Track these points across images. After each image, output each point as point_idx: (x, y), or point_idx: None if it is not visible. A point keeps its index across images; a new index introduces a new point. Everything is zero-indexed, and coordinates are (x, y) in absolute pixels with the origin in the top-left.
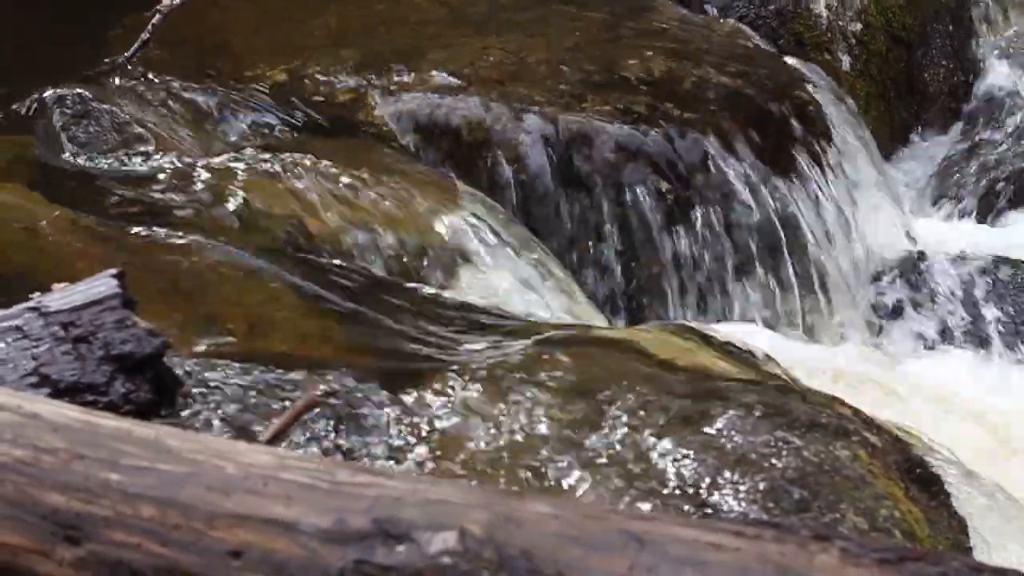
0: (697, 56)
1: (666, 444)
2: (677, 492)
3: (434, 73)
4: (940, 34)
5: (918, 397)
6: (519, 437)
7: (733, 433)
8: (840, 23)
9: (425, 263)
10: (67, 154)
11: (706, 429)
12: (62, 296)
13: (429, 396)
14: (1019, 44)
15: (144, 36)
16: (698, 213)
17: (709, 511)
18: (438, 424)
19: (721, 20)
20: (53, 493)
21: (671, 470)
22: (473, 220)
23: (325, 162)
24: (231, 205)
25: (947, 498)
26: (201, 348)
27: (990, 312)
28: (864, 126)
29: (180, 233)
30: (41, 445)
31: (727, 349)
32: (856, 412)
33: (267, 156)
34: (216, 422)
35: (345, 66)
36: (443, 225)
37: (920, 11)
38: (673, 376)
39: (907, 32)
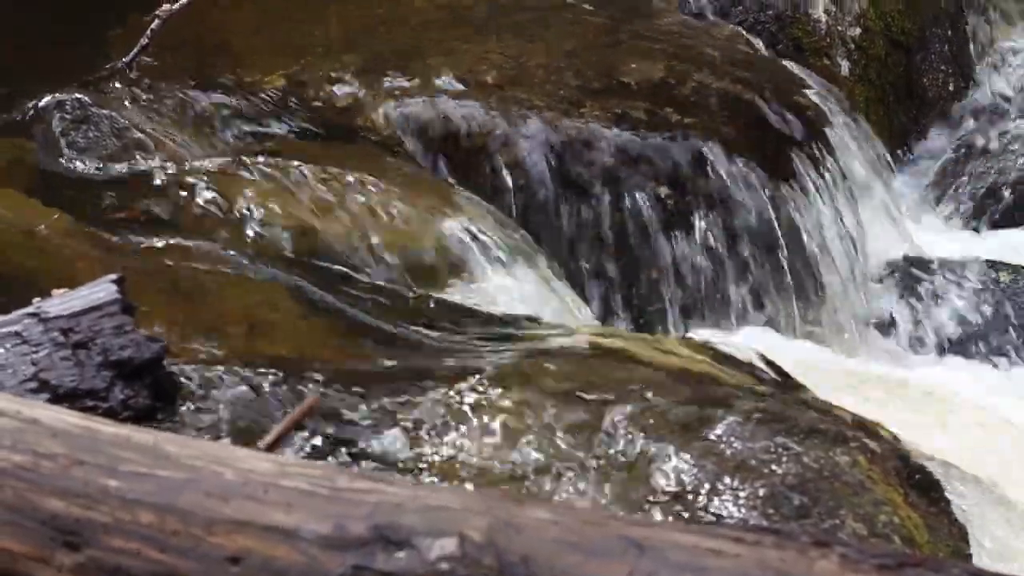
0: (696, 61)
1: (666, 450)
2: (677, 498)
3: (434, 78)
4: (939, 39)
5: (917, 402)
6: (518, 442)
7: (732, 439)
8: (839, 28)
9: (424, 268)
10: (66, 159)
11: (705, 435)
12: (61, 302)
13: (428, 401)
14: (1018, 48)
15: (143, 41)
16: (697, 218)
17: (709, 517)
18: (437, 429)
19: (720, 25)
20: (52, 499)
21: (671, 476)
22: (472, 225)
23: (324, 167)
24: (230, 210)
25: (947, 504)
26: (200, 353)
27: (989, 317)
28: (863, 131)
29: (179, 238)
30: (40, 451)
31: (725, 355)
32: (855, 418)
33: (266, 161)
34: (215, 428)
35: (345, 70)
36: (442, 230)
37: (919, 16)
38: (672, 382)
39: (906, 37)
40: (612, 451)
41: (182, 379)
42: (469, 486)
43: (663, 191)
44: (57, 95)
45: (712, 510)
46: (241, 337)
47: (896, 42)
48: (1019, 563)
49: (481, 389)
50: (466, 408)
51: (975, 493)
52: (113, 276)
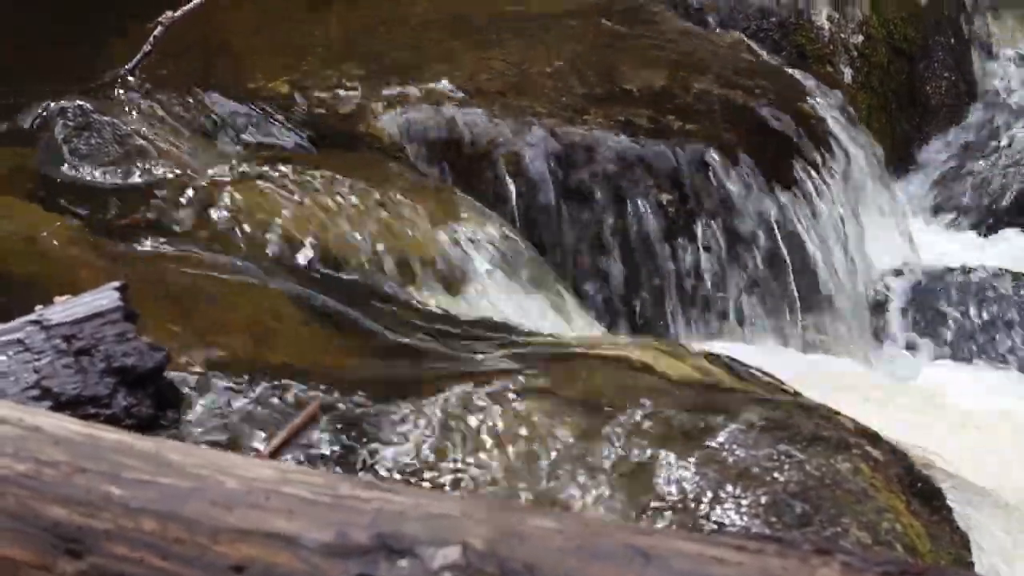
0: (699, 68)
1: (668, 458)
2: (680, 506)
3: (436, 85)
4: (941, 46)
5: (920, 409)
6: (522, 450)
7: (735, 447)
8: (842, 35)
9: (426, 275)
10: (68, 166)
11: (708, 443)
12: (64, 309)
13: (431, 409)
14: (1020, 56)
15: (146, 48)
16: (700, 226)
17: (712, 525)
18: (441, 437)
19: (723, 32)
20: (54, 506)
21: (673, 484)
22: (474, 232)
23: (327, 174)
24: (233, 217)
25: (949, 512)
26: (203, 361)
27: (991, 322)
28: (866, 138)
29: (182, 245)
30: (43, 458)
31: (728, 363)
32: (858, 425)
33: (268, 168)
34: (218, 435)
35: (347, 77)
36: (444, 237)
37: (922, 23)
38: (675, 390)
39: (909, 44)
40: (615, 459)
41: (185, 387)
42: (473, 494)
43: (665, 198)
44: (59, 102)
45: (715, 518)
46: (244, 344)
47: (899, 49)
48: (1021, 569)
49: (484, 397)
50: (469, 416)
51: (977, 500)
52: (115, 283)
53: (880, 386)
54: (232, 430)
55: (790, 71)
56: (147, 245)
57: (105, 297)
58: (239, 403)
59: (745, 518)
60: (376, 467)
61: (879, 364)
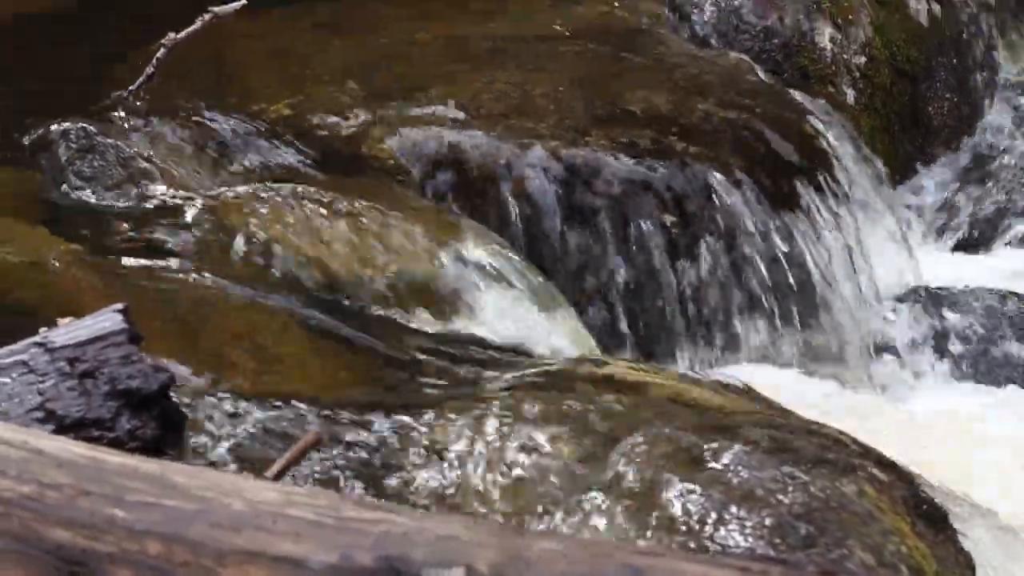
0: (702, 90)
1: (673, 480)
2: (684, 528)
3: (438, 107)
4: (944, 67)
5: (924, 431)
6: (526, 472)
7: (739, 469)
8: (844, 56)
9: (429, 297)
10: (72, 188)
11: (712, 465)
12: (68, 331)
13: (435, 431)
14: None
15: (149, 70)
16: (703, 247)
17: (716, 547)
18: (444, 459)
19: (725, 53)
20: (58, 529)
21: (678, 506)
22: (477, 254)
23: (330, 196)
24: (236, 239)
25: (954, 533)
26: (207, 382)
27: (995, 344)
28: (869, 159)
29: (186, 268)
30: (46, 481)
31: (731, 385)
32: (862, 447)
33: (272, 190)
34: (222, 457)
35: (350, 100)
36: (447, 259)
37: (924, 44)
38: (679, 412)
39: (911, 65)
40: (620, 481)
41: (189, 408)
42: (477, 517)
43: (668, 219)
44: (63, 124)
45: (719, 540)
46: (248, 366)
47: (902, 71)
48: None
49: (488, 419)
50: (473, 438)
51: (982, 521)
52: (119, 305)
53: (883, 407)
54: (236, 452)
55: (792, 92)
56: (151, 267)
57: (109, 319)
58: (243, 425)
59: (750, 540)
60: (379, 489)
61: (882, 385)
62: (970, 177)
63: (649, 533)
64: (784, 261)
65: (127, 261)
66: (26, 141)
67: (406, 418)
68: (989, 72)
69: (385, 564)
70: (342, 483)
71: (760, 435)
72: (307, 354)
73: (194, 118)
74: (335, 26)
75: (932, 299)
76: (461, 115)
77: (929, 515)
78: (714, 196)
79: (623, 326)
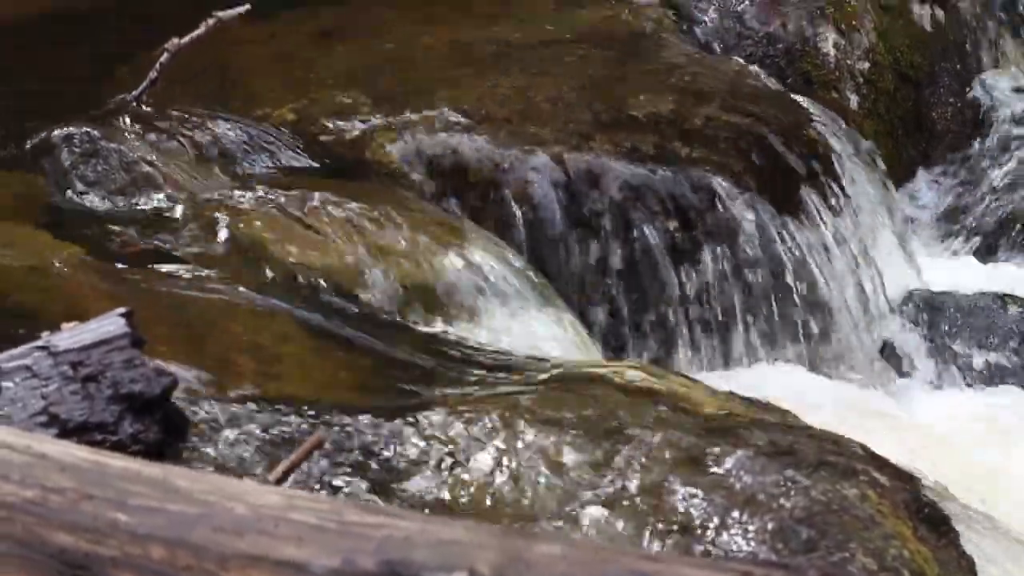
0: (705, 95)
1: (675, 484)
2: (686, 532)
3: (442, 112)
4: (948, 73)
5: (926, 436)
6: (529, 476)
7: (741, 473)
8: (848, 62)
9: (432, 301)
10: (75, 193)
11: (714, 469)
12: (71, 335)
13: (438, 435)
14: None
15: (152, 75)
16: (706, 253)
17: (718, 551)
18: (447, 463)
19: (728, 59)
20: (61, 533)
21: (680, 510)
22: (480, 259)
23: (334, 201)
24: (240, 243)
25: (956, 537)
26: (210, 387)
27: (998, 351)
28: (872, 164)
29: (189, 271)
30: (49, 485)
31: (734, 390)
32: (865, 451)
33: (275, 195)
34: (225, 461)
35: (354, 104)
36: (451, 263)
37: (928, 50)
38: (681, 416)
39: (915, 71)
40: (622, 484)
41: (192, 413)
42: (479, 520)
43: (672, 225)
44: (66, 128)
45: (721, 544)
46: (251, 370)
47: (905, 76)
48: None
49: (491, 423)
50: (476, 441)
51: (984, 525)
52: (122, 309)
53: (885, 412)
54: (239, 456)
55: (796, 97)
56: (154, 271)
57: (112, 323)
58: (246, 428)
59: (752, 544)
60: (382, 493)
61: (885, 390)
62: (973, 182)
63: (651, 537)
64: (787, 265)
65: (130, 265)
66: (29, 145)
67: (409, 422)
68: (993, 77)
69: (387, 568)
70: (345, 487)
71: (762, 439)
72: (310, 358)
73: (198, 122)
74: (339, 31)
75: (935, 304)
76: (465, 119)
77: (931, 519)
78: (717, 201)
79: (625, 330)
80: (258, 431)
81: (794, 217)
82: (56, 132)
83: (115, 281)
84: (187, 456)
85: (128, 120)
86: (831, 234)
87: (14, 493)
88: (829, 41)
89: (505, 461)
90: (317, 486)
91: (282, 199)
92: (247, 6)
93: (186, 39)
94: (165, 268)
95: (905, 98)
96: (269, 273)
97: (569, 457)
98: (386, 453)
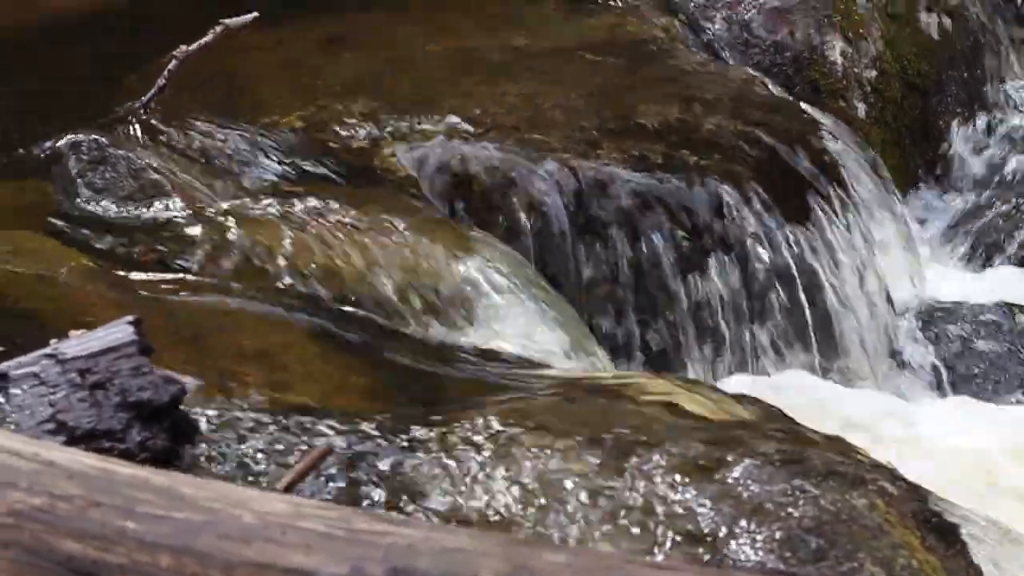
0: (713, 103)
1: (682, 492)
2: (694, 540)
3: (449, 119)
4: (955, 81)
5: (934, 445)
6: (535, 484)
7: (749, 482)
8: (855, 70)
9: (439, 309)
10: (83, 200)
11: (723, 477)
12: (79, 343)
13: (446, 443)
14: None
15: (160, 82)
16: (714, 261)
17: (726, 560)
18: (454, 471)
19: (736, 67)
20: (69, 540)
21: (688, 518)
22: (488, 266)
23: (341, 208)
24: (248, 251)
25: (964, 547)
26: (218, 394)
27: (1004, 360)
28: (881, 174)
29: (197, 279)
30: (57, 492)
31: (742, 398)
32: (872, 460)
33: (283, 202)
34: (233, 469)
35: (361, 112)
36: (458, 271)
37: (935, 58)
38: (689, 424)
39: (922, 79)
40: (629, 493)
41: (200, 420)
42: (485, 529)
43: (680, 233)
44: (74, 135)
45: (729, 553)
46: (258, 378)
47: (912, 85)
48: None
49: (499, 431)
50: (484, 450)
51: (993, 535)
52: (130, 317)
53: (892, 421)
54: (247, 464)
55: (803, 106)
56: (162, 279)
57: (120, 331)
58: (254, 436)
59: (760, 553)
60: (390, 501)
61: (892, 398)
62: (980, 190)
63: (658, 546)
64: (795, 274)
65: (138, 273)
66: (37, 151)
67: (416, 430)
68: (1000, 86)
69: None
70: (352, 495)
71: (770, 447)
72: (318, 366)
73: (206, 130)
74: (346, 38)
75: (942, 314)
76: (472, 127)
77: (939, 529)
78: (725, 209)
79: (634, 338)
80: (266, 439)
81: (801, 225)
82: (64, 139)
83: (123, 289)
84: (195, 464)
85: (136, 127)
86: (838, 243)
87: (22, 500)
88: (836, 49)
89: (511, 469)
90: (325, 494)
91: (290, 206)
92: (255, 14)
93: (194, 46)
94: (173, 276)
95: (912, 106)
96: (276, 280)
97: (576, 465)
98: (393, 461)
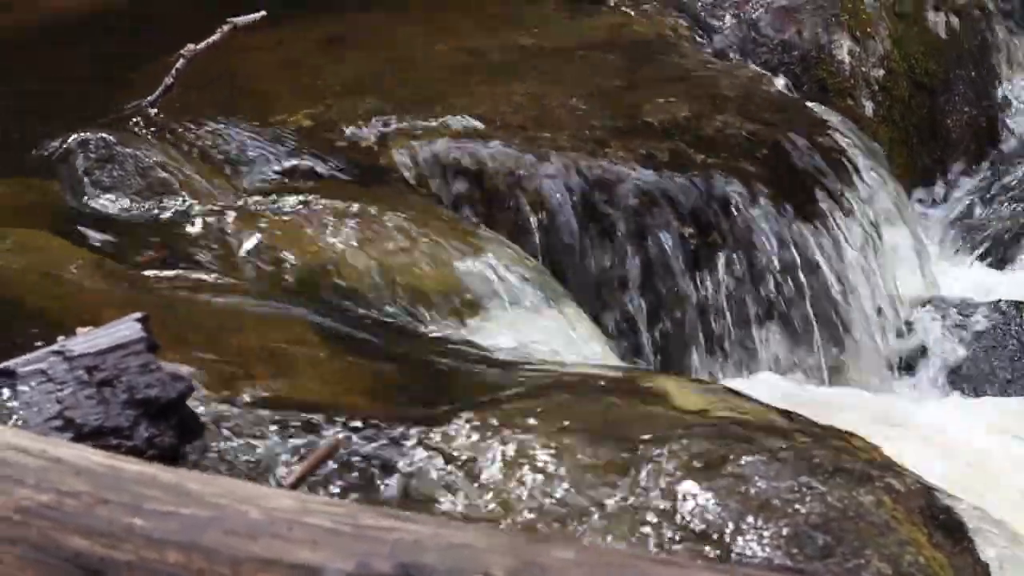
0: (720, 102)
1: (690, 489)
2: (701, 537)
3: (456, 118)
4: (963, 80)
5: (942, 443)
6: (543, 480)
7: (757, 478)
8: (863, 69)
9: (446, 306)
10: (91, 198)
11: (730, 474)
12: (86, 340)
13: (453, 440)
14: None
15: (168, 81)
16: (722, 259)
17: (734, 557)
18: (462, 467)
19: (743, 65)
20: (76, 537)
21: (695, 515)
22: (496, 265)
23: (348, 206)
24: (254, 249)
25: (971, 544)
26: (225, 392)
27: (1015, 357)
28: (888, 172)
29: (204, 277)
30: (64, 489)
31: (749, 395)
32: (880, 457)
33: (290, 200)
34: (240, 465)
35: (368, 111)
36: (466, 269)
37: (943, 57)
38: (696, 421)
39: (930, 78)
40: (636, 490)
41: (207, 417)
42: (493, 525)
43: (687, 231)
44: (82, 134)
45: (737, 549)
46: (265, 374)
47: (920, 83)
48: None
49: (506, 428)
50: (491, 447)
51: (1000, 532)
52: (138, 314)
53: (901, 418)
54: (254, 460)
55: (811, 105)
56: (169, 276)
57: (127, 328)
58: (260, 434)
59: (767, 550)
60: (397, 497)
61: (900, 397)
62: (988, 189)
63: (665, 542)
64: (802, 272)
65: (145, 270)
66: (45, 150)
67: (424, 427)
68: (1008, 84)
69: (402, 572)
70: (359, 491)
71: (777, 444)
72: (325, 363)
73: (213, 128)
74: (350, 37)
75: (951, 311)
76: (479, 126)
77: (946, 525)
78: (732, 208)
79: (641, 336)
80: (273, 436)
81: (809, 223)
82: (72, 137)
83: (130, 286)
84: (202, 460)
85: (143, 126)
86: (846, 241)
87: (29, 497)
88: (844, 48)
89: (519, 466)
90: (331, 490)
91: (296, 205)
92: (263, 12)
93: (202, 45)
94: (180, 273)
95: (920, 105)
96: (283, 278)
97: (584, 462)
98: (401, 457)
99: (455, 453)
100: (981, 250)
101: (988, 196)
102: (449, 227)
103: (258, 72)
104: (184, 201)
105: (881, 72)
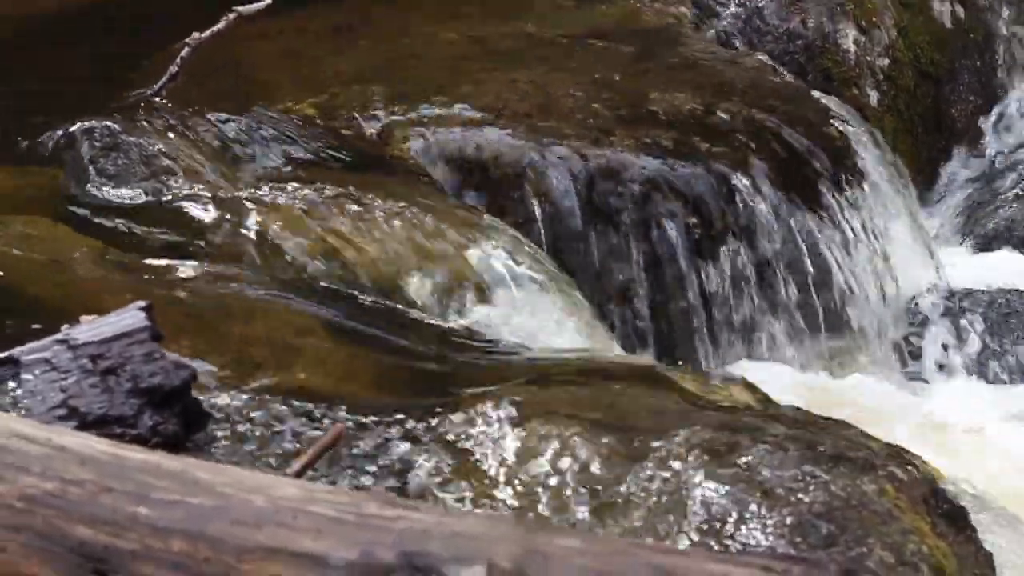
0: (725, 91)
1: (694, 478)
2: (705, 526)
3: (463, 107)
4: (968, 69)
5: (947, 432)
6: (548, 469)
7: (760, 467)
8: (868, 58)
9: (453, 297)
10: (95, 186)
11: (733, 463)
12: (90, 329)
13: (457, 429)
14: None
15: (173, 69)
16: (726, 248)
17: (737, 545)
18: (466, 456)
19: (749, 55)
20: (81, 526)
21: (699, 504)
22: (501, 254)
23: (353, 195)
24: (259, 237)
25: (974, 532)
26: (229, 380)
27: (1017, 344)
28: (893, 161)
29: (208, 265)
30: (69, 477)
31: (753, 384)
32: (883, 446)
33: (295, 189)
34: (243, 454)
35: (374, 100)
36: (471, 259)
37: (948, 47)
38: (700, 410)
39: (935, 67)
40: (640, 479)
41: (211, 406)
42: (497, 513)
43: (692, 220)
44: (86, 122)
45: (740, 538)
46: (270, 363)
47: (925, 73)
48: None
49: (511, 418)
50: (496, 436)
51: (1003, 521)
52: (142, 303)
53: (906, 407)
54: (258, 449)
55: (816, 94)
56: (173, 265)
57: (131, 317)
58: (265, 422)
59: (770, 538)
60: (401, 486)
61: (906, 385)
62: (992, 178)
63: (669, 531)
64: (806, 261)
65: (150, 259)
66: (49, 138)
67: (427, 416)
68: (1012, 74)
69: (405, 560)
70: (362, 480)
71: (781, 433)
72: (329, 351)
73: (217, 117)
74: (356, 26)
75: (955, 300)
76: (485, 115)
77: (949, 514)
78: (737, 197)
79: (645, 325)
80: (277, 424)
81: (813, 212)
82: (77, 126)
83: (134, 275)
84: (206, 449)
85: (148, 114)
86: (851, 230)
87: (34, 485)
88: (849, 38)
89: (524, 455)
90: (335, 479)
91: (301, 194)
92: (268, 0)
93: (207, 34)
94: (184, 262)
95: (925, 95)
96: (286, 267)
97: (588, 452)
98: (406, 445)
99: (459, 442)
100: (984, 238)
101: (993, 184)
102: (453, 216)
103: (263, 61)
104: (188, 190)
105: (886, 61)
